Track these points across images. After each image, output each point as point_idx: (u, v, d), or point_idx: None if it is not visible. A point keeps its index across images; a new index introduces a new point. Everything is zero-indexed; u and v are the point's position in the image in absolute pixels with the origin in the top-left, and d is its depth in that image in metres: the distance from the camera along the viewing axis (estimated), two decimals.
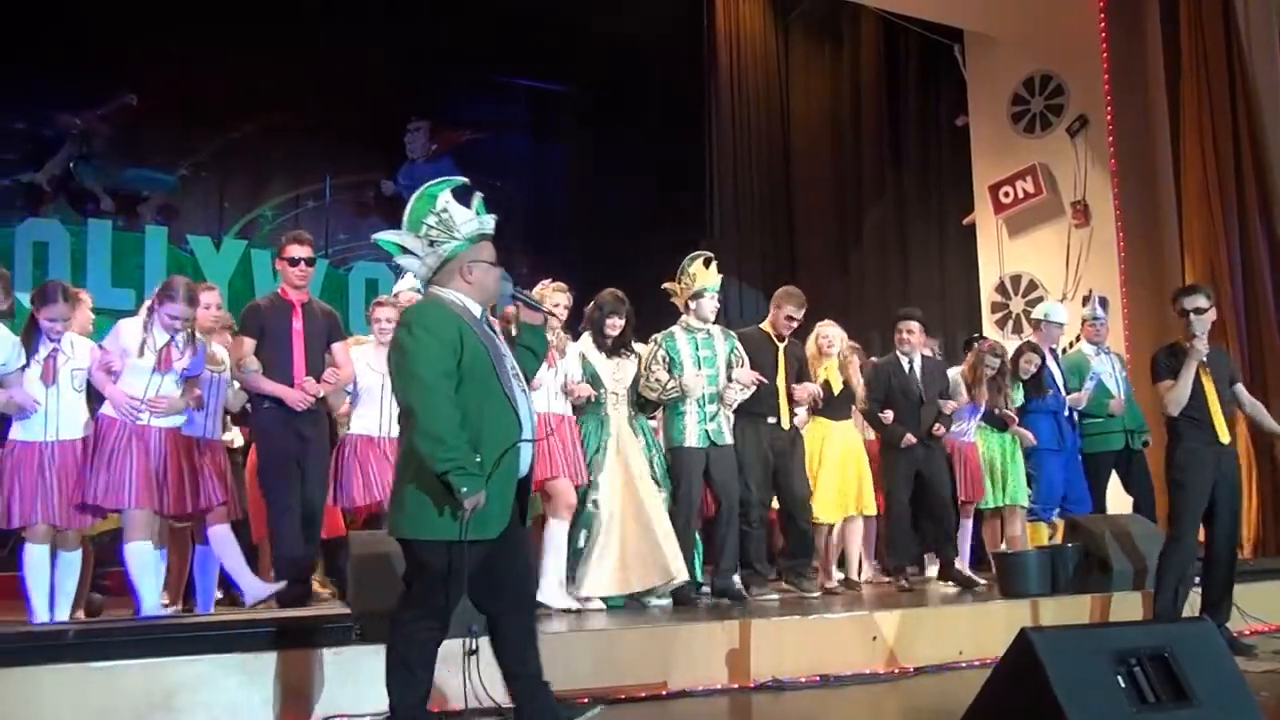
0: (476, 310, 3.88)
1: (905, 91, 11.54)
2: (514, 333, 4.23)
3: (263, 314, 5.93)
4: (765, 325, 7.13)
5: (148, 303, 6.27)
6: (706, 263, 6.72)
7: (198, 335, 5.60)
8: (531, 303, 4.14)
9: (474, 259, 3.89)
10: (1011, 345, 8.50)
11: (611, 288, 6.61)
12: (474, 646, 4.43)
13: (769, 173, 12.31)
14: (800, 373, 7.10)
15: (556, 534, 6.00)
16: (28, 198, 10.64)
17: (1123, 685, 3.28)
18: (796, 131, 12.39)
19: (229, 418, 6.34)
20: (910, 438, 7.24)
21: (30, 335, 5.28)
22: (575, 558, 6.18)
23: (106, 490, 5.20)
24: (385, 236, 3.95)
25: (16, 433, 5.22)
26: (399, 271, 6.97)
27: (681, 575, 6.20)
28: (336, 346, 6.01)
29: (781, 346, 7.04)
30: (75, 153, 10.91)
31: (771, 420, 6.90)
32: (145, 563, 5.31)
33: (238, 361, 5.79)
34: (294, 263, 5.92)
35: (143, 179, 11.25)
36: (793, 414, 7.02)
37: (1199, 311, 5.93)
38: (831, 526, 7.41)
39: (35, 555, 5.21)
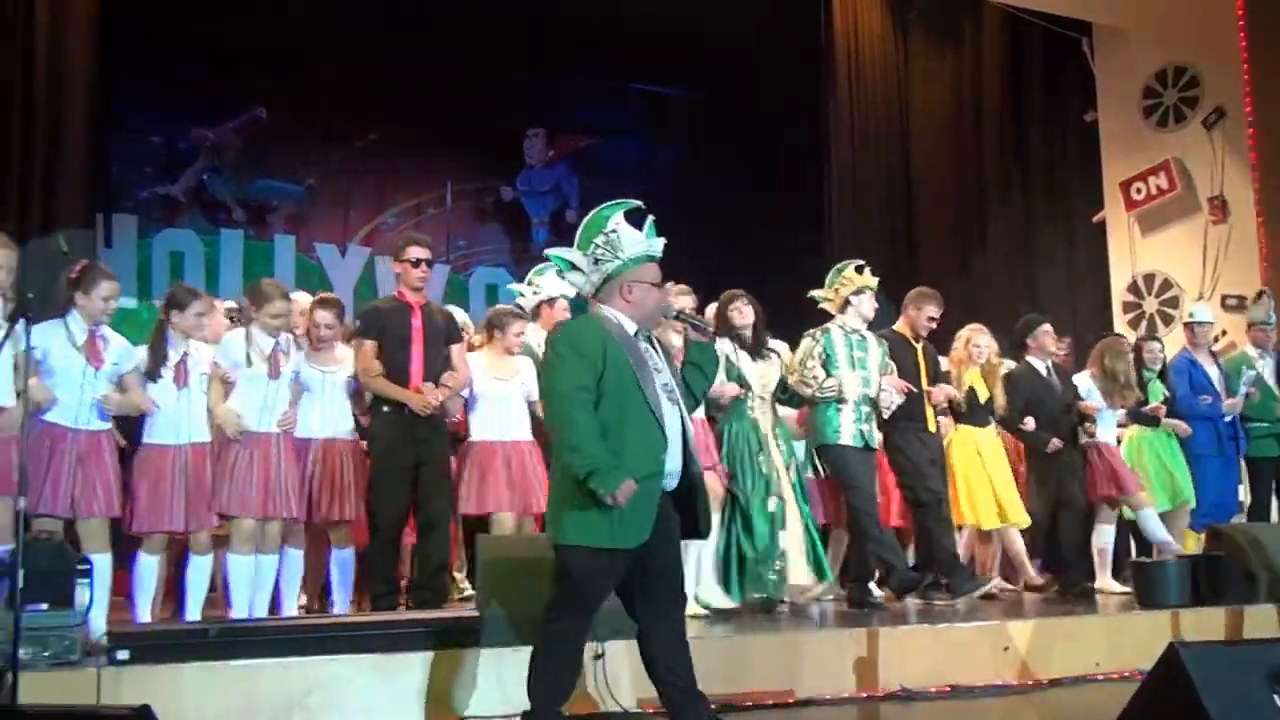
0: (631, 328, 4.00)
1: (1030, 88, 11.26)
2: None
3: (382, 316, 5.96)
4: (900, 327, 6.98)
5: (222, 305, 6.44)
6: (859, 269, 6.66)
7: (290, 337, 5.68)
8: (696, 323, 4.30)
9: (635, 279, 4.02)
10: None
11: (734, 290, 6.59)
12: (600, 651, 4.48)
13: (888, 174, 12.12)
14: (936, 375, 6.98)
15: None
16: (164, 209, 11.03)
17: (1279, 704, 3.13)
18: (916, 132, 12.18)
19: None
20: (1057, 442, 7.05)
21: (159, 339, 5.37)
22: (741, 557, 6.17)
23: (229, 500, 5.35)
24: (556, 252, 4.18)
25: (150, 435, 5.31)
26: (524, 279, 7.04)
27: (805, 581, 6.20)
28: (454, 349, 6.02)
29: (919, 348, 6.92)
30: (208, 165, 11.27)
31: (918, 424, 6.78)
32: (244, 572, 5.43)
33: (361, 366, 5.84)
34: (415, 264, 5.94)
35: (271, 189, 11.58)
36: (936, 418, 6.92)
37: None
38: (985, 533, 7.23)
39: (144, 565, 5.31)
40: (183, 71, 10.53)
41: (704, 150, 12.67)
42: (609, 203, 4.14)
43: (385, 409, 5.79)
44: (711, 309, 6.63)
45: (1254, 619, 6.20)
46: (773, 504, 6.20)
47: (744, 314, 6.37)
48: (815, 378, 6.43)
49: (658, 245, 4.10)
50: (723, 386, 6.19)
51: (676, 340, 5.83)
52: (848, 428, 6.44)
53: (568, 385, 3.81)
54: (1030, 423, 7.07)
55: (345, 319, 6.21)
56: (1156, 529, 7.31)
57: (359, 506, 5.75)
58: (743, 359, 6.38)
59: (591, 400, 3.80)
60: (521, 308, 6.72)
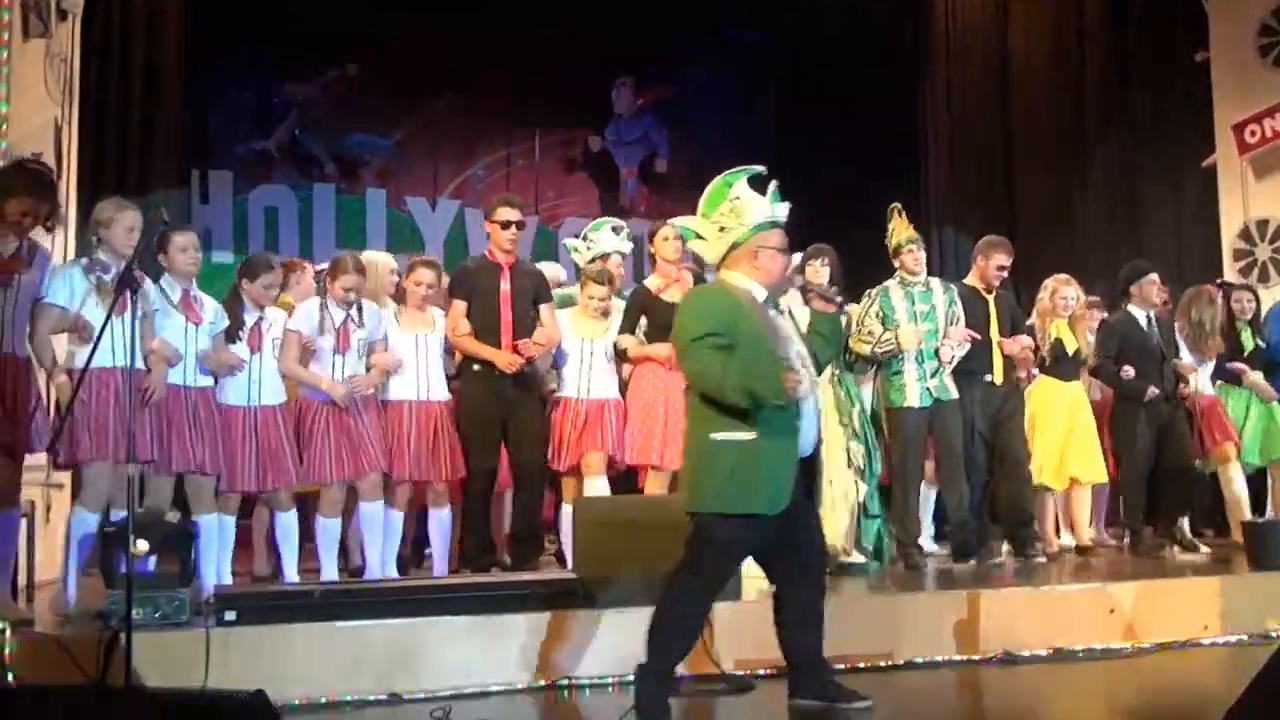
0: (760, 294, 4.03)
1: (1136, 28, 10.81)
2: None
3: (471, 275, 5.99)
4: (971, 279, 6.82)
5: (312, 268, 6.49)
6: (900, 213, 6.53)
7: (367, 304, 5.73)
8: (823, 293, 4.30)
9: (761, 245, 4.03)
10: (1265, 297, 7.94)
11: (826, 242, 6.47)
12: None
13: (986, 118, 11.75)
14: (1014, 325, 6.80)
15: None
16: (259, 165, 11.14)
17: None
18: (1016, 74, 11.78)
19: None
20: (1153, 390, 6.83)
21: (235, 303, 5.45)
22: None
23: (308, 466, 5.45)
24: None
25: (224, 396, 5.38)
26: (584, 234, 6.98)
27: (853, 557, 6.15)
28: (544, 308, 6.03)
29: (991, 299, 6.74)
30: (300, 121, 11.35)
31: (987, 378, 6.63)
32: (332, 535, 5.54)
33: (450, 325, 5.86)
34: (505, 226, 5.94)
35: (362, 144, 11.63)
36: (1011, 369, 6.74)
37: None
38: (1056, 491, 7.08)
39: (224, 523, 5.36)
40: (274, 28, 10.57)
41: (795, 98, 12.42)
42: (732, 170, 4.14)
43: (475, 368, 5.83)
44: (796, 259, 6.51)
45: None
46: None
47: (819, 274, 6.26)
48: (871, 333, 6.32)
49: (782, 210, 4.09)
50: None
51: (795, 307, 5.79)
52: (912, 388, 6.35)
53: (696, 345, 3.89)
54: (1129, 371, 6.86)
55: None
56: (1241, 488, 7.14)
57: (455, 467, 5.79)
58: (802, 314, 6.27)
59: (723, 355, 3.84)
60: (576, 264, 6.72)
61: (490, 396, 5.80)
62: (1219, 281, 8.18)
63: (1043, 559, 6.61)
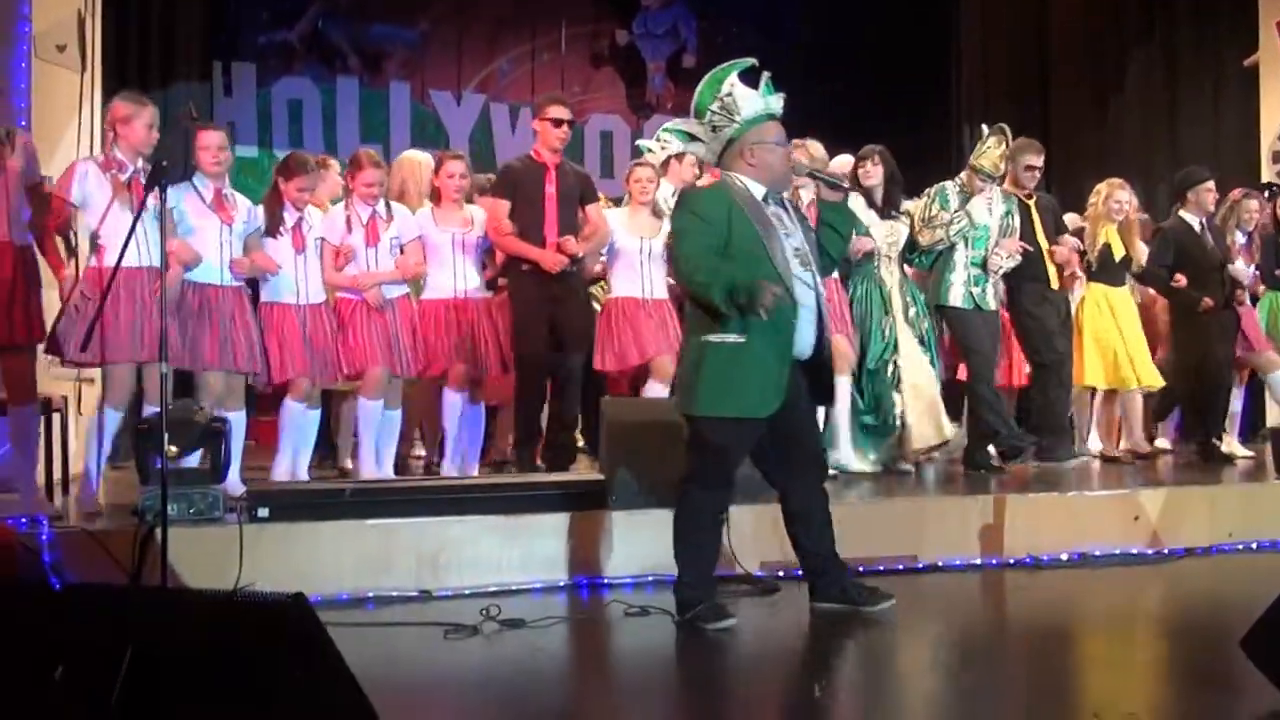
0: (759, 191, 3.94)
1: None
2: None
3: (516, 175, 5.93)
4: (1008, 186, 6.72)
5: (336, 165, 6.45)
6: (1004, 140, 6.34)
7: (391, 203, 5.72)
8: (829, 180, 4.17)
9: (756, 141, 3.93)
10: None
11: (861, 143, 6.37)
12: (724, 515, 4.49)
13: (1021, 18, 11.46)
14: (1058, 229, 6.71)
15: (842, 394, 5.89)
16: (282, 57, 10.96)
17: None
18: None
19: None
20: (1208, 300, 6.75)
21: (274, 203, 5.42)
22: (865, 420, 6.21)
23: (347, 360, 5.49)
24: (674, 124, 4.12)
25: (269, 295, 5.39)
26: (640, 128, 6.88)
27: (950, 434, 6.23)
28: (591, 208, 5.98)
29: (1032, 204, 6.64)
30: (323, 11, 11.15)
31: (1040, 283, 6.57)
32: (372, 419, 5.58)
33: (493, 225, 5.83)
34: (557, 124, 5.87)
35: (386, 35, 11.43)
36: (1060, 274, 6.69)
37: None
38: (1102, 393, 7.03)
39: (296, 411, 5.41)
40: None
41: None
42: (721, 65, 4.02)
43: (524, 268, 5.81)
44: (838, 162, 6.42)
45: None
46: (890, 369, 6.18)
47: (871, 174, 6.17)
48: (942, 220, 6.24)
49: (775, 103, 3.98)
50: (856, 241, 6.00)
51: (808, 198, 5.70)
52: (958, 289, 6.30)
53: (693, 248, 3.88)
54: (1182, 280, 6.77)
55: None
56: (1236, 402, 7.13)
57: (489, 363, 5.82)
58: (870, 218, 6.22)
59: (717, 258, 3.81)
60: (651, 165, 6.60)
61: (539, 295, 5.78)
62: (1264, 184, 8.03)
63: (1078, 461, 6.59)
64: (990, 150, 6.32)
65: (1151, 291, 7.30)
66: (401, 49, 11.51)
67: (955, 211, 6.24)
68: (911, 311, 6.32)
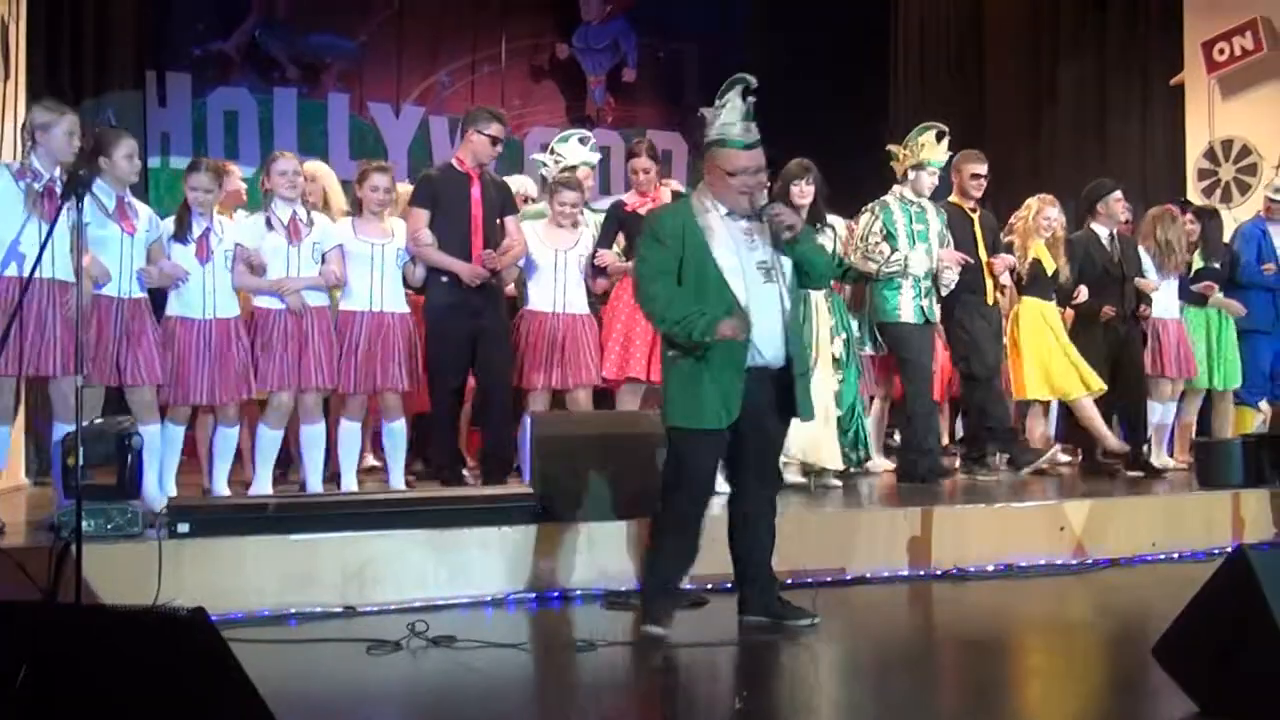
0: (723, 209, 4.02)
1: None
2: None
3: (436, 184, 5.86)
4: (954, 197, 6.82)
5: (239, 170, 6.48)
6: (939, 136, 6.46)
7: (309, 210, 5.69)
8: (778, 226, 4.03)
9: (717, 163, 4.01)
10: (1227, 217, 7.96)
11: (799, 156, 6.40)
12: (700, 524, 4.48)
13: (958, 32, 11.64)
14: (995, 244, 6.81)
15: None
16: (218, 67, 10.84)
17: None
18: None
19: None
20: (1109, 309, 6.85)
21: (185, 208, 5.35)
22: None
23: (261, 375, 5.43)
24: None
25: (174, 308, 5.31)
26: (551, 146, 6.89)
27: (834, 464, 6.10)
28: (510, 220, 5.94)
29: (976, 218, 6.74)
30: (260, 21, 11.05)
31: (978, 297, 6.66)
32: (272, 445, 5.54)
33: (413, 235, 5.77)
34: (495, 141, 5.85)
35: (324, 46, 11.32)
36: (998, 289, 6.78)
37: None
38: (1044, 405, 7.10)
39: (170, 434, 5.32)
40: None
41: (769, 5, 12.19)
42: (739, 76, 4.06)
43: (443, 279, 5.75)
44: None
45: None
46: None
47: (805, 192, 6.21)
48: (881, 252, 6.30)
49: (733, 130, 3.99)
50: None
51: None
52: (908, 305, 6.35)
53: (648, 270, 4.01)
54: (1083, 291, 6.87)
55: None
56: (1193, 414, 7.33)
57: (409, 378, 5.76)
58: None
59: (674, 280, 3.95)
60: (544, 178, 6.63)
61: (458, 308, 5.72)
62: (1180, 200, 8.18)
63: (1037, 468, 6.73)
64: (930, 145, 6.42)
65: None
66: (340, 60, 11.42)
67: (895, 254, 6.29)
68: (832, 323, 6.29)
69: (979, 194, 6.77)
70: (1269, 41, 9.11)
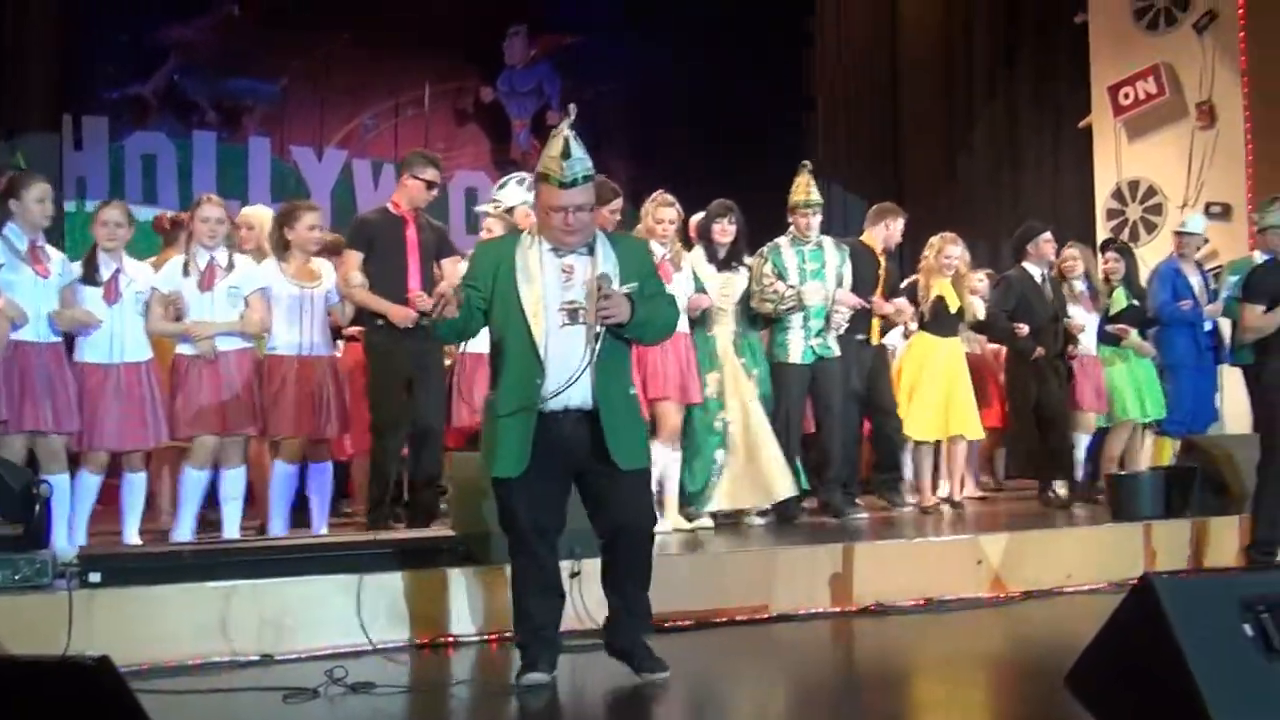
0: (548, 244, 3.86)
1: None
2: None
3: (372, 227, 5.87)
4: (869, 239, 6.96)
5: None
6: (810, 173, 6.58)
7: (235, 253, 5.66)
8: (600, 315, 3.79)
9: (540, 200, 3.89)
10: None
11: (721, 197, 6.49)
12: (577, 569, 4.50)
13: (876, 78, 11.90)
14: (894, 290, 6.95)
15: (660, 460, 5.84)
16: (135, 111, 10.74)
17: (1250, 635, 3.13)
18: (905, 34, 11.94)
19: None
20: (1040, 350, 7.02)
21: (92, 250, 5.30)
22: (693, 475, 6.17)
23: (179, 421, 5.36)
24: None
25: (82, 352, 5.24)
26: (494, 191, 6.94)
27: (786, 494, 6.19)
28: (446, 262, 5.95)
29: (883, 262, 6.89)
30: (179, 65, 10.97)
31: (860, 337, 6.80)
32: (195, 488, 5.46)
33: (344, 276, 5.76)
34: (430, 186, 5.87)
35: (245, 89, 11.29)
36: (881, 330, 6.97)
37: None
38: (932, 445, 7.22)
39: (89, 482, 5.26)
40: None
41: (693, 52, 12.35)
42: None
43: (379, 321, 5.74)
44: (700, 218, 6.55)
45: (1219, 531, 6.28)
46: (718, 424, 6.18)
47: (726, 231, 6.29)
48: (776, 292, 6.38)
49: (552, 166, 3.77)
50: (695, 298, 6.11)
51: (658, 250, 5.79)
52: (797, 345, 6.45)
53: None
54: (1024, 329, 7.04)
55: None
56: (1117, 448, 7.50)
57: (339, 422, 5.72)
58: (706, 271, 6.31)
59: (474, 305, 3.84)
60: (490, 229, 6.65)
61: (397, 349, 5.71)
62: (1105, 240, 8.42)
63: (910, 508, 6.85)
64: (801, 186, 6.54)
65: (990, 345, 7.58)
66: (261, 103, 11.38)
67: (790, 289, 6.38)
68: (744, 360, 6.35)
69: (894, 246, 7.01)
70: (1170, 86, 9.45)
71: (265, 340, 5.72)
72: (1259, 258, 7.29)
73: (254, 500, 6.03)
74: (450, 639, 4.60)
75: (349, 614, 4.47)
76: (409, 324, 5.66)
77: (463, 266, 6.07)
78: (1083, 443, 7.40)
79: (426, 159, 6.01)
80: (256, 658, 4.29)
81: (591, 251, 3.88)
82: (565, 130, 3.79)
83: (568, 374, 3.74)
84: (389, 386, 5.72)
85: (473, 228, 11.27)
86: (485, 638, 4.61)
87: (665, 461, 5.92)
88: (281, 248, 5.79)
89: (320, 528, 5.78)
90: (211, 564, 4.46)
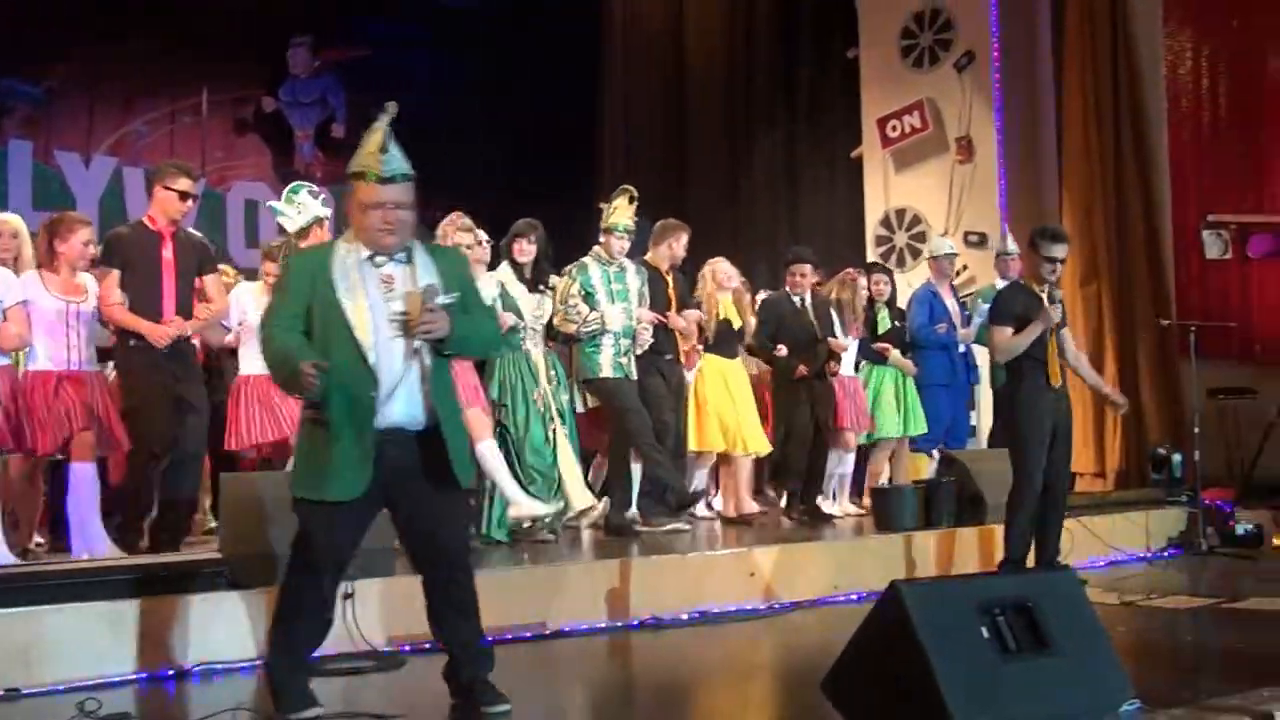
0: (365, 252, 3.64)
1: (801, 22, 11.49)
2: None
3: (126, 244, 5.62)
4: (653, 259, 7.09)
5: None
6: (632, 199, 6.65)
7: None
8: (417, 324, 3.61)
9: (357, 199, 3.63)
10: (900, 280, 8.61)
11: (510, 216, 6.51)
12: (350, 590, 4.43)
13: (662, 105, 12.23)
14: (683, 303, 7.11)
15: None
16: None
17: (986, 636, 3.37)
18: (690, 62, 12.28)
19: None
20: (803, 369, 7.28)
21: None
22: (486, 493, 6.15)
23: None
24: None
25: None
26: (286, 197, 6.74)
27: (585, 505, 6.30)
28: (209, 279, 5.78)
29: (670, 279, 7.04)
30: None
31: (669, 356, 6.94)
32: None
33: (100, 294, 5.51)
34: (184, 197, 5.64)
35: (5, 90, 10.67)
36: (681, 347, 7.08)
37: (1056, 262, 5.74)
38: (712, 455, 7.40)
39: None
40: None
41: (483, 70, 12.35)
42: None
43: (133, 342, 5.51)
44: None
45: (969, 540, 6.68)
46: (548, 434, 6.26)
47: (527, 250, 6.32)
48: (579, 313, 6.46)
49: (371, 160, 3.57)
50: (502, 316, 6.10)
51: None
52: (608, 361, 6.53)
53: (269, 319, 3.72)
54: (783, 350, 7.28)
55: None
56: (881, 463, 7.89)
57: (110, 442, 5.50)
58: (518, 290, 6.34)
59: (290, 330, 3.59)
60: (285, 230, 6.48)
61: (155, 370, 5.50)
62: (868, 264, 8.82)
63: (687, 526, 6.96)
64: (620, 209, 6.63)
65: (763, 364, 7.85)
66: (23, 105, 10.79)
67: (592, 312, 6.47)
68: (556, 381, 6.44)
69: (679, 264, 7.11)
70: (933, 120, 10.02)
71: (25, 356, 5.43)
72: (999, 283, 7.82)
73: (18, 524, 5.71)
74: (215, 665, 4.44)
75: (106, 643, 4.27)
76: (164, 343, 5.48)
77: (242, 288, 5.92)
78: (847, 460, 7.71)
79: (179, 169, 5.75)
80: (2, 693, 4.05)
81: (409, 260, 3.67)
82: (383, 125, 3.59)
83: (408, 386, 3.56)
84: (148, 408, 5.51)
85: (252, 240, 10.99)
86: (253, 663, 4.48)
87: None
88: (49, 260, 5.52)
89: (80, 551, 5.49)
90: None
